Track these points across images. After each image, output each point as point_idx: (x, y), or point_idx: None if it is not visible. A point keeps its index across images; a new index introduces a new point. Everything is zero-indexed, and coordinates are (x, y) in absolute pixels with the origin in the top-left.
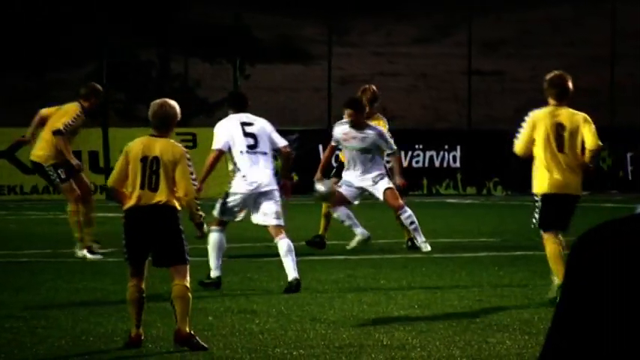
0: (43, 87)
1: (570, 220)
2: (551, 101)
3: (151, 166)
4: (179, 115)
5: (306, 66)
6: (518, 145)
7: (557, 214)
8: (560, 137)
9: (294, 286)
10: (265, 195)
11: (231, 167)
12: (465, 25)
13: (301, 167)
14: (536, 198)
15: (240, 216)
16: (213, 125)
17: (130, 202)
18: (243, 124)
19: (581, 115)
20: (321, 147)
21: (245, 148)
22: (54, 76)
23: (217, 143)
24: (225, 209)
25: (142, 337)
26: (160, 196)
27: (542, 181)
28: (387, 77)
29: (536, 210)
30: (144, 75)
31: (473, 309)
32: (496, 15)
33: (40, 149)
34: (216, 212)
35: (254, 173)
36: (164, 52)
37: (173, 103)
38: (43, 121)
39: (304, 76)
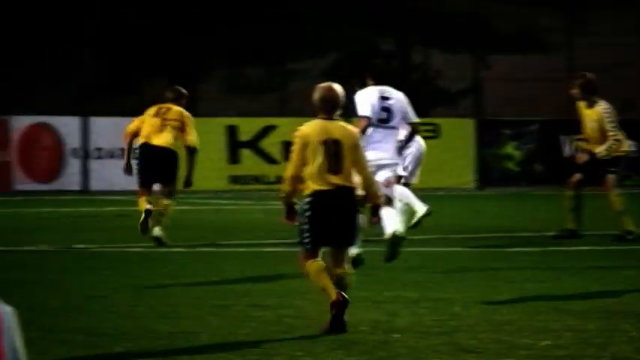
0: (284, 77)
1: None
2: None
3: (332, 149)
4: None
5: (546, 56)
6: None
7: None
8: None
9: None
10: (384, 166)
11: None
12: None
13: (542, 157)
14: None
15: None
16: (454, 116)
17: (315, 187)
18: (382, 97)
19: None
20: (561, 137)
21: (376, 122)
22: (294, 67)
23: (365, 111)
24: None
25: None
26: (343, 179)
27: None
28: (628, 67)
29: None
30: (384, 65)
31: None
32: None
33: (172, 142)
34: None
35: (379, 148)
36: (404, 42)
37: (339, 86)
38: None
39: (544, 66)
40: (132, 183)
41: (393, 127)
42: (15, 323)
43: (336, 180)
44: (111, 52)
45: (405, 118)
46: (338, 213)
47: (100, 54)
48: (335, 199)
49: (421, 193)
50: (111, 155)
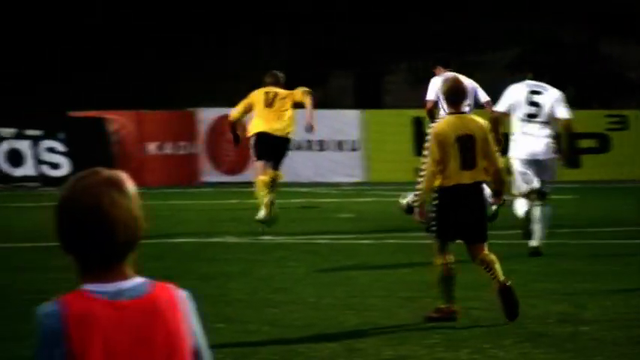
0: (469, 69)
1: None
2: None
3: (466, 145)
4: None
5: None
6: None
7: None
8: None
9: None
10: (540, 164)
11: (512, 131)
12: None
13: None
14: None
15: (534, 180)
16: None
17: (448, 182)
18: (532, 92)
19: None
20: None
21: (524, 116)
22: (479, 59)
23: (500, 105)
24: (518, 180)
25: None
26: (476, 174)
27: None
28: None
29: None
30: (569, 57)
31: None
32: None
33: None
34: (514, 188)
35: (528, 142)
36: (592, 33)
37: (466, 78)
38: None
39: None
40: (317, 174)
41: (542, 122)
42: (192, 307)
43: (469, 176)
44: (300, 43)
45: (554, 114)
46: (468, 209)
47: (292, 43)
48: (468, 194)
49: (608, 186)
50: (297, 147)
